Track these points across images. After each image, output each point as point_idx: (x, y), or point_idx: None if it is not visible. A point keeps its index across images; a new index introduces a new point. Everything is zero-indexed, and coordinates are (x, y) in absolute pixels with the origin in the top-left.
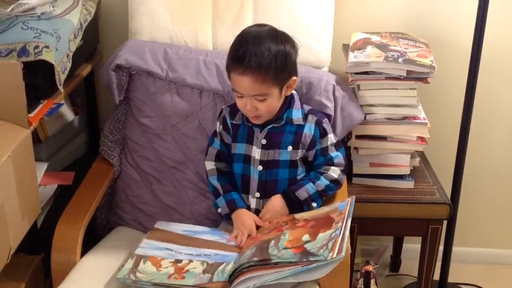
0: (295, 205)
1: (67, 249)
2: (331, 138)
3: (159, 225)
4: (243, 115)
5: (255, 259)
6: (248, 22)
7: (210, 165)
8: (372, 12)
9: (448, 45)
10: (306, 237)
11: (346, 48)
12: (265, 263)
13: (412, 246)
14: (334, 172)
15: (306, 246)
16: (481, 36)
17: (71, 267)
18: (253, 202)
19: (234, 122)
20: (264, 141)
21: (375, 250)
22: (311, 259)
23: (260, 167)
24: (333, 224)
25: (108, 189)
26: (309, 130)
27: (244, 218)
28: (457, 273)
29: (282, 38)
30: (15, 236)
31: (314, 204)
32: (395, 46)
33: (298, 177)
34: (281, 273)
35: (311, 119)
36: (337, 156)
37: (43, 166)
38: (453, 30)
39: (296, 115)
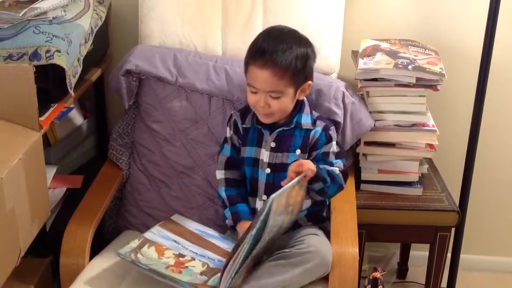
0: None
1: (76, 252)
2: (334, 146)
3: (175, 217)
4: (253, 118)
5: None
6: (257, 28)
7: (219, 174)
8: (382, 19)
9: (457, 52)
10: None
11: (355, 54)
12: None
13: (419, 254)
14: (333, 170)
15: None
16: (491, 44)
17: (79, 271)
18: (260, 205)
19: (244, 126)
20: (273, 144)
21: (382, 257)
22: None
23: (268, 170)
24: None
25: (117, 193)
26: (315, 133)
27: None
28: (464, 281)
29: (304, 41)
30: (25, 239)
31: (327, 178)
32: (404, 53)
33: None
34: (241, 251)
35: (319, 124)
36: (337, 162)
37: (52, 170)
38: (462, 37)
39: (306, 120)
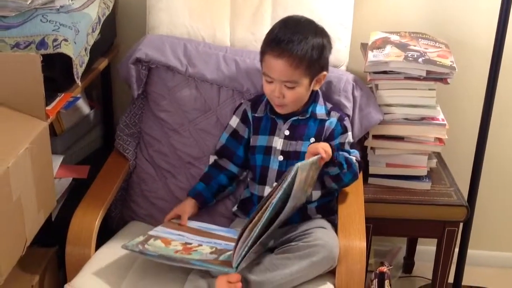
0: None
1: (82, 242)
2: (350, 137)
3: (176, 220)
4: (266, 107)
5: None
6: (266, 19)
7: (212, 158)
8: (391, 11)
9: (468, 45)
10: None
11: (364, 47)
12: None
13: (425, 248)
14: (351, 158)
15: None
16: (503, 37)
17: (85, 260)
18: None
19: (256, 115)
20: (287, 132)
21: (389, 251)
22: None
23: (280, 157)
24: None
25: (123, 184)
26: (330, 123)
27: (184, 204)
28: (472, 276)
29: (320, 31)
30: (31, 229)
31: (344, 163)
32: (414, 46)
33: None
34: (262, 219)
35: (334, 114)
36: (354, 151)
37: (59, 159)
38: (473, 30)
39: (320, 110)
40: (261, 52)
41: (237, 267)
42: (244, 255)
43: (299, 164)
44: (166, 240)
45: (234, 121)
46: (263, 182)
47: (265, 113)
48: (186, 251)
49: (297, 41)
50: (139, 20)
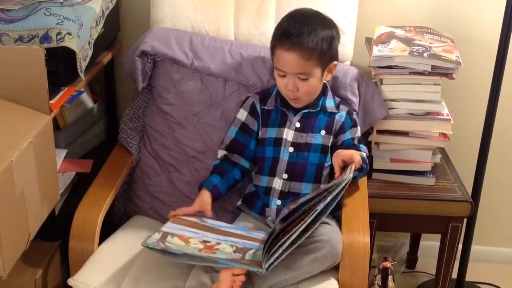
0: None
1: (85, 236)
2: (359, 132)
3: (185, 216)
4: (276, 100)
5: (282, 226)
6: (271, 13)
7: (221, 153)
8: (396, 5)
9: (473, 40)
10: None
11: (369, 41)
12: (288, 223)
13: (429, 244)
14: (363, 155)
15: (322, 187)
16: (508, 32)
17: (88, 255)
18: (278, 184)
19: (265, 107)
20: (298, 124)
21: (392, 247)
22: (326, 190)
23: (291, 149)
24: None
25: (126, 178)
26: (340, 117)
27: (203, 197)
28: (475, 272)
29: (329, 23)
30: (34, 222)
31: (364, 165)
32: (420, 40)
33: (326, 164)
34: (305, 221)
35: (343, 108)
36: (363, 147)
37: (62, 153)
38: (479, 25)
39: (330, 103)
40: (272, 47)
41: (267, 268)
42: (278, 257)
43: (346, 177)
44: (183, 237)
45: (242, 115)
46: (272, 173)
47: (275, 106)
48: (209, 250)
49: (307, 33)
50: (143, 14)
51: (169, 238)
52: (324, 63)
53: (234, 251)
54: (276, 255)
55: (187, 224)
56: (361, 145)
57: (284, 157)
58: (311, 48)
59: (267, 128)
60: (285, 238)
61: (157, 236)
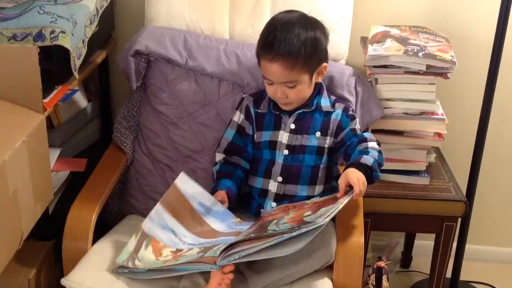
0: (367, 174)
1: (79, 236)
2: (358, 124)
3: (180, 181)
4: (269, 103)
5: (252, 235)
6: (266, 12)
7: (218, 156)
8: (392, 5)
9: (468, 40)
10: (308, 213)
11: (364, 40)
12: (258, 235)
13: (423, 243)
14: (374, 145)
15: (305, 218)
16: (503, 31)
17: (82, 254)
18: (273, 186)
19: (259, 111)
20: (292, 126)
21: (386, 246)
22: (303, 226)
23: (286, 151)
24: (338, 201)
25: (121, 177)
26: (336, 116)
27: (224, 194)
28: (469, 271)
29: (312, 24)
30: (27, 222)
31: (378, 174)
32: (415, 40)
33: (321, 166)
34: (266, 243)
35: (339, 106)
36: (368, 134)
37: (56, 152)
38: (474, 24)
39: (325, 102)
40: (257, 56)
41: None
42: (237, 258)
43: (321, 222)
44: (157, 245)
45: (239, 117)
46: (267, 176)
47: (268, 109)
48: (175, 259)
49: (288, 40)
50: (137, 12)
51: (142, 250)
52: (311, 67)
53: (198, 252)
54: (236, 259)
55: (174, 209)
56: (365, 134)
57: (279, 159)
58: (294, 56)
59: (261, 132)
60: (248, 247)
61: (131, 247)
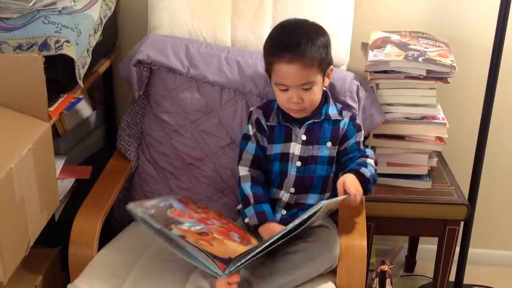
0: (362, 184)
1: (85, 243)
2: (362, 136)
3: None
4: (278, 116)
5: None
6: (267, 18)
7: (244, 170)
8: (392, 10)
9: (468, 44)
10: None
11: (364, 46)
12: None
13: (427, 247)
14: (372, 162)
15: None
16: (503, 36)
17: (88, 261)
18: (285, 196)
19: (269, 123)
20: (304, 137)
21: (390, 250)
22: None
23: (298, 163)
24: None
25: (125, 184)
26: (343, 124)
27: (274, 231)
28: (473, 275)
29: (321, 29)
30: (34, 229)
31: (371, 188)
32: (415, 45)
33: (332, 175)
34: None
35: (346, 114)
36: (369, 151)
37: (61, 160)
38: (473, 29)
39: (333, 111)
40: (269, 63)
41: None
42: (240, 265)
43: (325, 202)
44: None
45: (252, 131)
46: (280, 187)
47: (277, 122)
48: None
49: (304, 42)
50: (141, 21)
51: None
52: (324, 68)
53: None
54: (241, 264)
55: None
56: (367, 150)
57: (291, 171)
58: (312, 57)
59: (272, 145)
60: (255, 249)
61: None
